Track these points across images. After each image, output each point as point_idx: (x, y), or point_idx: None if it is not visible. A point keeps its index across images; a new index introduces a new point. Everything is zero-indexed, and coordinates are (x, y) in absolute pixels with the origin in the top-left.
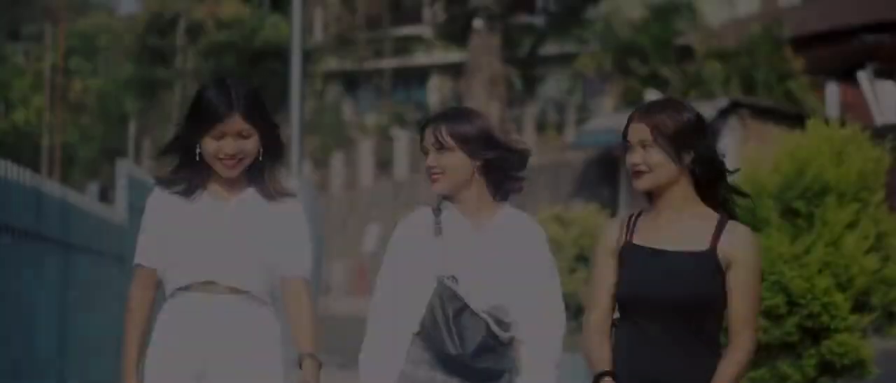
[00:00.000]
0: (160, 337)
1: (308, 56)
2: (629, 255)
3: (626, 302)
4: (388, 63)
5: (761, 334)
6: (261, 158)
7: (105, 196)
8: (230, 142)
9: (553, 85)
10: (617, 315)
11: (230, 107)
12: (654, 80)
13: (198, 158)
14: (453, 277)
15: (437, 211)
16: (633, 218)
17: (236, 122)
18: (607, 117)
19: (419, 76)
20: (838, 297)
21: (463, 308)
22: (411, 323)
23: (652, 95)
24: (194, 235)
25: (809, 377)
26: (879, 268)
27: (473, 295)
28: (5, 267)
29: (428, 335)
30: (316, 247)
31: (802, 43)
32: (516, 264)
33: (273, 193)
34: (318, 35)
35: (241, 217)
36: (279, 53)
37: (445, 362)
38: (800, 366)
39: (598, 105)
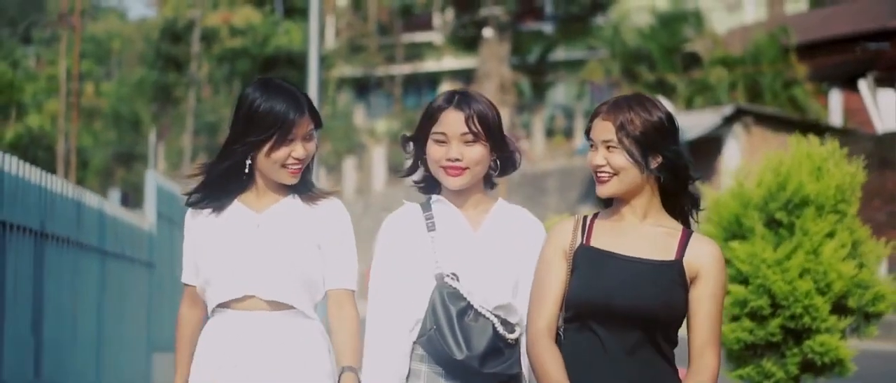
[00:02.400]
0: (201, 357)
1: (320, 62)
2: (586, 259)
3: (582, 308)
4: (400, 69)
5: (747, 334)
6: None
7: (125, 202)
8: (300, 145)
9: (562, 91)
10: (560, 322)
11: (301, 111)
12: (662, 87)
13: (248, 168)
14: (454, 275)
15: (427, 206)
16: (589, 219)
17: (306, 124)
18: None
19: (430, 82)
20: (818, 300)
21: (467, 307)
22: (410, 328)
23: (660, 102)
24: (227, 250)
25: (793, 375)
26: (856, 274)
27: (476, 294)
28: (50, 273)
29: (429, 339)
30: None
31: (807, 50)
32: (519, 261)
33: (316, 198)
34: (330, 41)
35: (278, 226)
36: (292, 59)
37: (448, 369)
38: (784, 364)
39: None
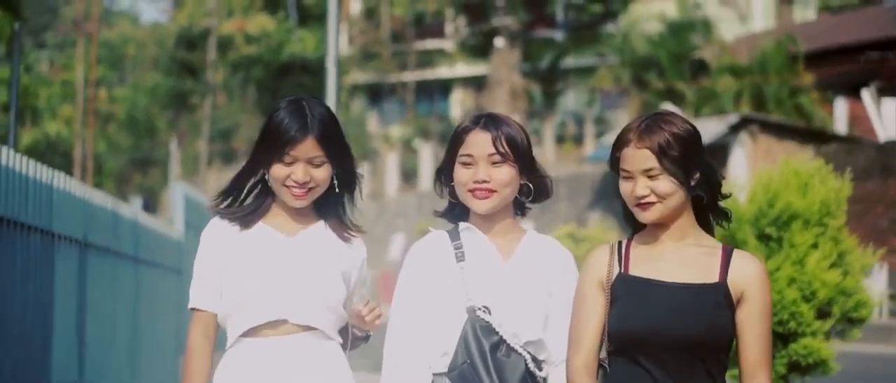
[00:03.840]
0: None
1: (338, 70)
2: (627, 288)
3: (627, 340)
4: (412, 76)
5: None
6: (334, 190)
7: (146, 208)
8: (301, 168)
9: (572, 98)
10: (602, 354)
11: (304, 130)
12: (670, 95)
13: (266, 183)
14: (486, 308)
15: (455, 234)
16: (624, 246)
17: (309, 147)
18: None
19: (442, 89)
20: (803, 307)
21: (499, 342)
22: (434, 360)
23: (667, 109)
24: (259, 273)
25: (781, 374)
26: (840, 282)
27: (507, 328)
28: (92, 280)
29: (461, 374)
30: None
31: (814, 58)
32: (549, 295)
33: (346, 229)
34: (344, 48)
35: (309, 252)
36: (306, 67)
37: None
38: (773, 365)
39: (615, 118)
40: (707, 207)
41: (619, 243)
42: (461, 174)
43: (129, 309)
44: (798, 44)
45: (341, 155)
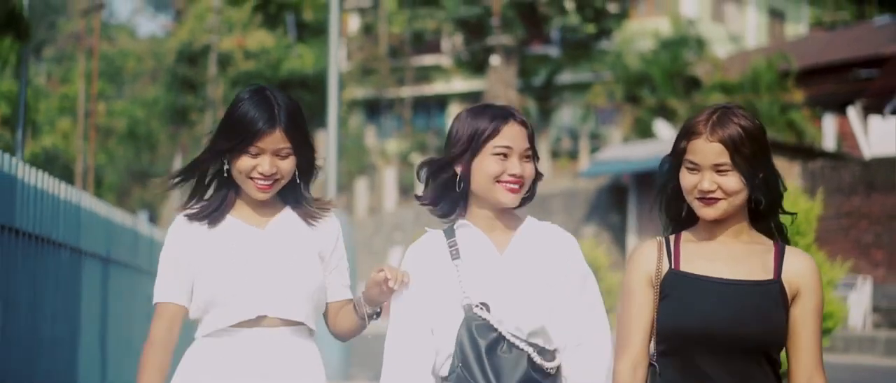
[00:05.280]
0: (198, 377)
1: (340, 86)
2: (678, 285)
3: (679, 338)
4: (409, 91)
5: None
6: (295, 179)
7: (152, 221)
8: (267, 160)
9: (567, 113)
10: (651, 352)
11: (272, 122)
12: (663, 111)
13: (226, 176)
14: (483, 304)
15: (450, 232)
16: (672, 242)
17: (277, 139)
18: (618, 148)
19: (439, 104)
20: None
21: (498, 339)
22: (436, 365)
23: (661, 126)
24: (233, 270)
25: None
26: None
27: (508, 322)
28: (112, 293)
29: (459, 377)
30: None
31: (804, 76)
32: (553, 281)
33: (313, 212)
34: (343, 64)
35: (281, 242)
36: (304, 82)
37: None
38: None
39: (609, 134)
40: (765, 214)
41: (666, 239)
42: (493, 165)
43: (146, 319)
44: (789, 61)
45: (306, 146)
